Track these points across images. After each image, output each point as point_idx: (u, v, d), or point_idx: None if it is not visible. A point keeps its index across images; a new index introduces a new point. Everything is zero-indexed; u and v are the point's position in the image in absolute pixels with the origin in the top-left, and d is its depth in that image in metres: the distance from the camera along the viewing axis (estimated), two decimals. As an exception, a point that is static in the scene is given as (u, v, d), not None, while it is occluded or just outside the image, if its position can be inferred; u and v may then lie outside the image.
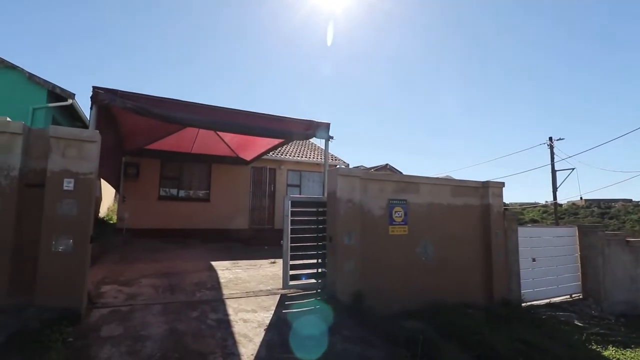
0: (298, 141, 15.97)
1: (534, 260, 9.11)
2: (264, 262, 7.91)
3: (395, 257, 6.35)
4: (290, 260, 5.84)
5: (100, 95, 5.09)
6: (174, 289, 5.39)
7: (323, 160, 14.41)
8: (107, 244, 8.98)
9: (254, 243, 11.46)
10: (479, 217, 7.53)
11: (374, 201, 6.27)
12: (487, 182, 7.63)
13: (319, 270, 6.10)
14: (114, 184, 10.79)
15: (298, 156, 13.87)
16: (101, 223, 12.19)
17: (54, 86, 9.95)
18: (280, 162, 13.58)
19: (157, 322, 4.09)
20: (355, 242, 5.86)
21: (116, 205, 12.81)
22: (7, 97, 9.44)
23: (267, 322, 4.39)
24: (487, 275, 7.42)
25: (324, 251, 6.09)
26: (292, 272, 5.82)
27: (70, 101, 10.04)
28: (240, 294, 5.40)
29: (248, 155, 11.74)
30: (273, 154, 12.91)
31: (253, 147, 10.51)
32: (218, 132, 9.84)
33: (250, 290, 5.57)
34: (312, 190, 14.15)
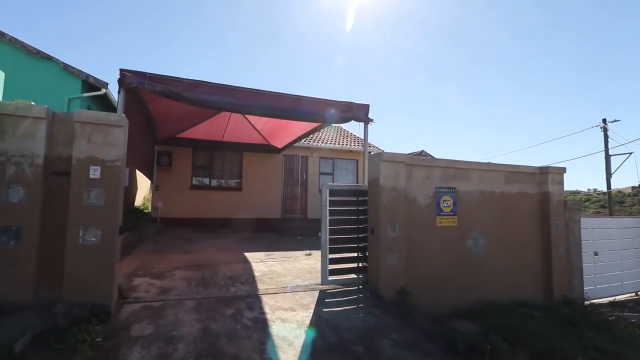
0: (329, 128, 15.44)
1: (596, 254, 8.20)
2: (299, 254, 7.54)
3: (443, 250, 5.77)
4: (329, 253, 5.40)
5: (127, 78, 4.79)
6: (207, 283, 5.10)
7: (357, 147, 13.84)
8: (141, 234, 8.94)
9: (286, 233, 11.15)
10: (537, 207, 6.75)
11: (419, 189, 5.70)
12: (546, 167, 6.81)
13: (360, 264, 5.63)
14: (148, 173, 10.78)
15: (330, 143, 13.36)
16: (136, 212, 12.32)
17: (88, 76, 9.95)
18: (313, 149, 13.13)
19: (190, 320, 3.78)
20: (399, 234, 5.34)
21: (151, 195, 12.90)
22: (43, 87, 9.52)
23: (307, 322, 3.98)
24: (545, 270, 6.68)
25: (364, 244, 5.61)
26: (331, 267, 5.38)
27: (103, 90, 10.02)
28: (276, 289, 5.03)
29: (280, 143, 11.36)
30: (305, 141, 12.48)
31: (285, 134, 10.11)
32: (250, 120, 9.51)
33: (287, 285, 5.19)
34: (345, 179, 13.64)
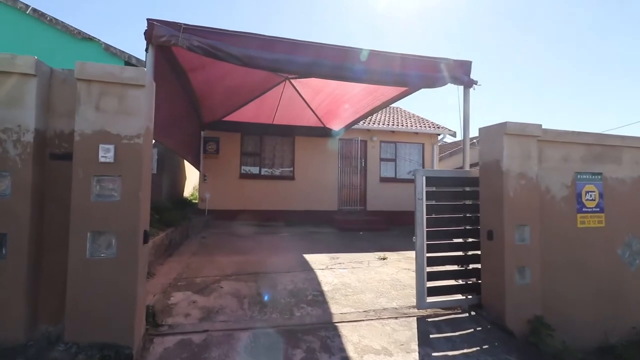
0: (387, 108, 13.72)
1: None
2: (370, 258, 6.11)
3: (585, 261, 4.05)
4: (427, 265, 3.90)
5: (156, 30, 3.56)
6: (263, 301, 3.84)
7: (425, 128, 12.04)
8: (187, 229, 8.01)
9: (345, 227, 9.78)
10: None
11: (553, 176, 4.00)
12: None
13: (468, 280, 4.08)
14: (194, 162, 9.88)
15: (392, 124, 11.68)
16: (184, 203, 11.59)
17: (130, 56, 9.12)
18: (372, 132, 11.55)
19: (243, 372, 2.51)
20: (531, 241, 3.71)
21: (199, 185, 12.13)
22: (84, 69, 8.83)
23: (418, 381, 2.56)
24: None
25: (475, 252, 4.04)
26: (430, 284, 3.89)
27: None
28: (356, 313, 3.66)
29: (336, 125, 9.92)
30: (363, 122, 10.93)
31: (343, 113, 8.64)
32: (305, 97, 8.14)
33: (370, 309, 3.79)
34: (409, 166, 11.94)
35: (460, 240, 4.11)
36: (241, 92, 7.45)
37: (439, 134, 11.91)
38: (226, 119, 9.44)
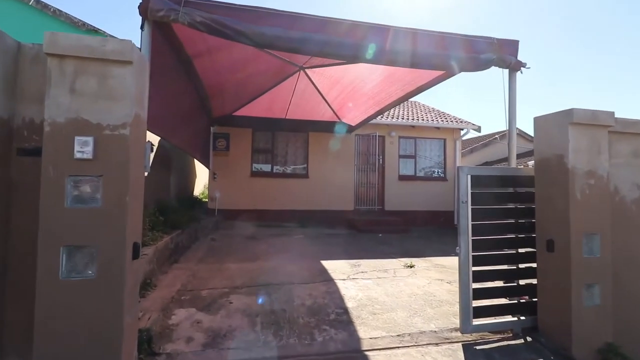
0: (406, 102, 13.02)
1: None
2: (396, 265, 5.51)
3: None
4: (473, 281, 3.29)
5: (153, 2, 3.02)
6: (278, 321, 3.29)
7: (446, 122, 11.31)
8: (196, 231, 7.53)
9: (362, 229, 9.18)
10: None
11: (623, 174, 3.33)
12: None
13: (521, 299, 3.46)
14: (204, 159, 9.40)
15: (411, 119, 11.00)
16: (194, 202, 11.15)
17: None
18: (391, 127, 10.89)
19: None
20: (601, 252, 3.06)
21: (208, 183, 11.66)
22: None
23: None
24: None
25: (529, 264, 3.41)
26: (476, 304, 3.28)
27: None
28: (388, 338, 3.07)
29: (353, 119, 9.30)
30: (381, 117, 10.29)
31: (362, 105, 8.02)
32: (320, 89, 7.55)
33: (404, 332, 3.20)
34: (429, 163, 11.25)
35: (512, 251, 3.48)
36: (252, 83, 6.90)
37: (462, 129, 11.18)
38: (236, 113, 8.91)
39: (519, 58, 3.99)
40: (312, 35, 3.40)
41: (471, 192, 3.32)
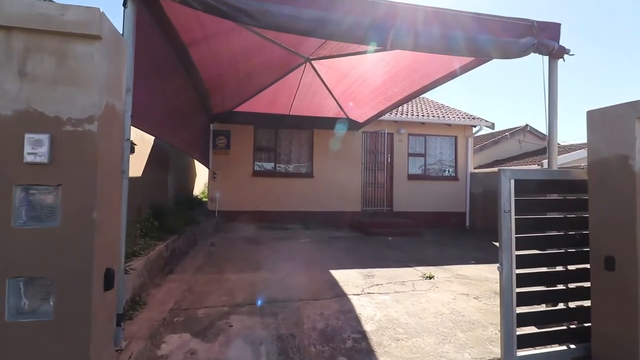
0: (414, 99, 12.47)
1: None
2: (413, 275, 5.02)
3: None
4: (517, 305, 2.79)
5: (136, -27, 2.52)
6: (286, 351, 2.80)
7: (458, 119, 10.77)
8: (194, 235, 7.05)
9: (371, 231, 8.69)
10: None
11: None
12: None
13: (570, 325, 2.96)
14: (203, 158, 8.90)
15: (421, 115, 10.47)
16: (193, 203, 10.68)
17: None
18: (400, 124, 10.38)
19: None
20: (672, 273, 2.55)
21: (208, 183, 11.17)
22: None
23: None
24: None
25: (582, 284, 2.91)
26: (520, 332, 2.77)
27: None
28: (418, 374, 2.58)
29: (361, 115, 8.79)
30: (390, 113, 9.76)
31: (372, 101, 7.51)
32: (327, 83, 7.03)
33: (436, 366, 2.71)
34: (439, 162, 10.74)
35: (560, 268, 2.97)
36: (254, 77, 6.40)
37: (474, 126, 10.66)
38: (237, 109, 8.40)
39: (561, 43, 3.49)
40: (329, 15, 2.89)
41: (517, 199, 2.82)
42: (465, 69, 4.41)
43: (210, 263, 5.40)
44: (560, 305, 2.98)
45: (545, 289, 2.96)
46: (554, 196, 3.14)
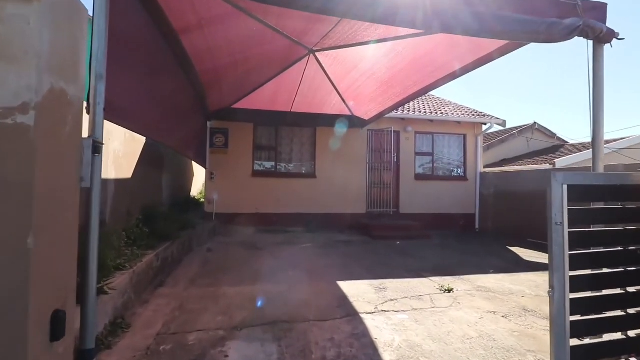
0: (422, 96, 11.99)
1: None
2: (429, 287, 4.56)
3: None
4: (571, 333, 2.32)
5: None
6: (293, 390, 2.33)
7: (469, 116, 10.28)
8: (190, 240, 6.59)
9: (377, 235, 8.22)
10: None
11: None
12: None
13: (630, 357, 2.49)
14: (199, 158, 8.41)
15: (429, 112, 9.99)
16: (189, 205, 10.21)
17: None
18: (407, 121, 9.90)
19: None
20: None
21: (205, 184, 10.69)
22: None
23: None
24: None
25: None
26: (577, 369, 2.31)
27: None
28: (454, 423, 2.11)
29: (367, 112, 8.31)
30: (396, 110, 9.29)
31: (379, 97, 7.03)
32: (332, 78, 6.55)
33: (475, 411, 2.23)
34: (448, 161, 10.27)
35: (618, 290, 2.51)
36: (254, 70, 5.92)
37: (485, 124, 10.19)
38: (236, 106, 7.91)
39: (608, 25, 3.02)
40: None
41: (572, 208, 2.35)
42: (497, 53, 3.91)
43: (205, 273, 4.93)
44: (630, 334, 2.51)
45: (606, 315, 2.49)
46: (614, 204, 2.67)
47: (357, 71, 5.99)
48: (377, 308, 3.74)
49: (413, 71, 5.25)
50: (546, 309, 3.86)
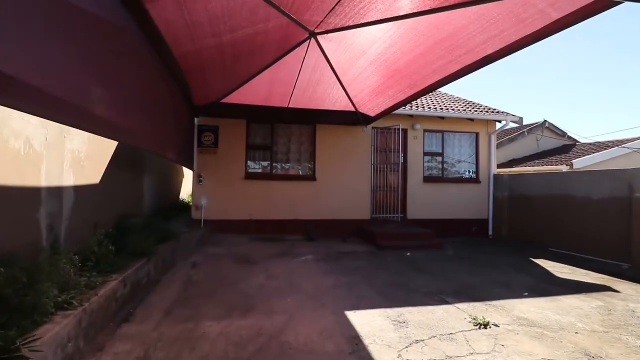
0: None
1: None
2: (457, 318, 3.72)
3: None
4: None
5: None
6: None
7: (482, 113, 9.32)
8: (174, 252, 5.72)
9: (384, 244, 7.38)
10: None
11: None
12: None
13: None
14: (182, 159, 7.51)
15: (439, 108, 9.16)
16: (177, 209, 9.33)
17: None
18: (415, 118, 9.06)
19: None
20: None
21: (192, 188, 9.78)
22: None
23: None
24: None
25: None
26: None
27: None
28: None
29: (373, 108, 7.46)
30: (404, 107, 8.45)
31: (389, 89, 6.19)
32: (334, 66, 5.69)
33: None
34: (459, 161, 9.45)
35: None
36: (244, 56, 5.05)
37: (499, 121, 9.37)
38: (226, 100, 7.01)
39: None
40: None
41: None
42: (531, 38, 3.08)
43: (185, 299, 4.07)
44: None
45: None
46: None
47: (365, 58, 5.15)
48: (400, 356, 2.90)
49: (436, 56, 4.41)
50: (611, 351, 3.04)
